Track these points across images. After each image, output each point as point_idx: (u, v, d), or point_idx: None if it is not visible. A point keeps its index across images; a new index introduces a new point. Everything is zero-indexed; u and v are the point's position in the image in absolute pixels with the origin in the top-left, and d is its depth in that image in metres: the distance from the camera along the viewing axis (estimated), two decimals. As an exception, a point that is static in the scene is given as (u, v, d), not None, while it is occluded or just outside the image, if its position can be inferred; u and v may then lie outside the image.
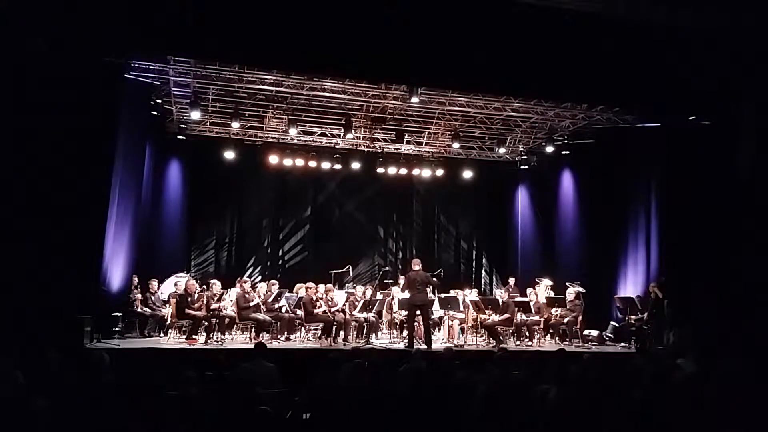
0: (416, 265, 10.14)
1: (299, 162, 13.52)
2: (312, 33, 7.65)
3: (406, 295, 10.38)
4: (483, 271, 15.88)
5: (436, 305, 11.21)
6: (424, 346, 9.51)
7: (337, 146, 13.99)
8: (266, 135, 13.59)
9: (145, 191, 11.44)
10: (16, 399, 4.21)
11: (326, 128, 13.43)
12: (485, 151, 14.67)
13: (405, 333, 10.14)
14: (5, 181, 7.75)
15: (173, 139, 12.97)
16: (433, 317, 11.11)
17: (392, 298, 11.12)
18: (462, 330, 10.93)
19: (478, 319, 10.76)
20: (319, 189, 14.90)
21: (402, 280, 11.11)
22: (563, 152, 13.41)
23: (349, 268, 12.87)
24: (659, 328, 10.68)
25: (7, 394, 4.26)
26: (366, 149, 14.10)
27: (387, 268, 14.15)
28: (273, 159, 13.49)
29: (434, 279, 10.41)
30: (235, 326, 10.26)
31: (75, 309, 8.15)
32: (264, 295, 10.50)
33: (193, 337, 9.47)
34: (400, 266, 14.91)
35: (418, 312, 9.91)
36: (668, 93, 8.90)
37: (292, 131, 12.73)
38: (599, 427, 4.38)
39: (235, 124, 12.24)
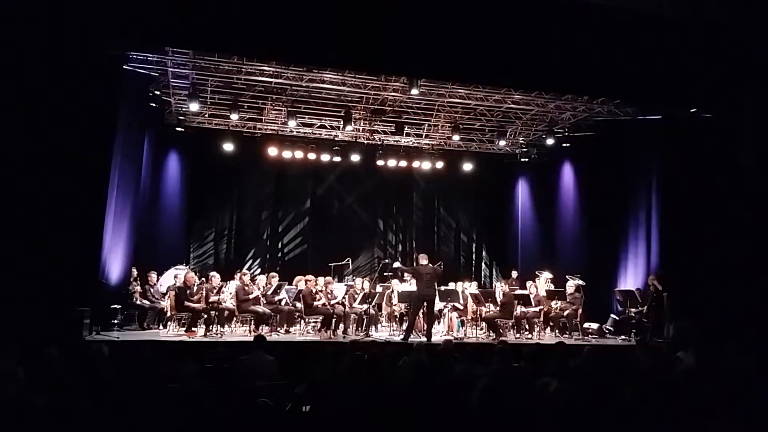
0: (423, 260, 10.10)
1: (298, 154, 13.48)
2: (311, 24, 7.59)
3: (407, 287, 10.38)
4: (483, 264, 15.87)
5: (436, 298, 11.21)
6: (423, 339, 9.51)
7: (336, 138, 13.94)
8: (265, 127, 13.55)
9: (144, 183, 11.41)
10: (16, 393, 4.19)
11: (325, 120, 13.38)
12: (485, 143, 14.62)
13: (405, 325, 10.10)
14: (3, 174, 7.71)
15: (172, 130, 12.94)
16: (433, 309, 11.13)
17: (392, 291, 11.12)
18: (462, 323, 10.93)
19: (478, 312, 10.76)
20: (318, 181, 14.87)
21: (406, 275, 11.10)
22: (564, 145, 13.39)
23: (348, 260, 12.88)
24: (659, 321, 10.69)
25: (8, 388, 4.25)
26: (365, 141, 14.05)
27: (387, 260, 14.13)
28: (272, 151, 13.45)
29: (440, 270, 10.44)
30: (235, 319, 10.24)
31: (74, 301, 8.13)
32: (263, 287, 10.49)
33: (193, 329, 9.46)
34: (399, 259, 14.88)
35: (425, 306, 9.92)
36: (669, 85, 8.86)
37: (291, 123, 12.68)
38: (600, 420, 4.37)
39: (234, 116, 12.18)
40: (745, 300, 8.76)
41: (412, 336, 9.92)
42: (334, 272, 12.08)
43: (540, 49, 8.25)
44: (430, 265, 10.04)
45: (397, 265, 11.27)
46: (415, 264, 10.69)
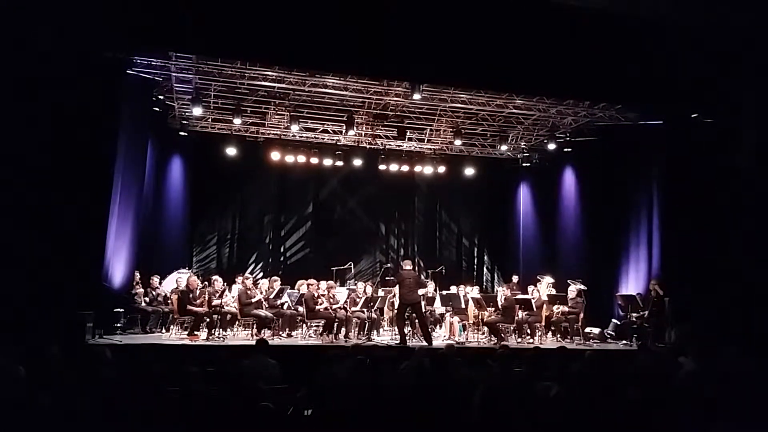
0: (407, 265, 10.27)
1: (301, 159, 13.52)
2: (314, 29, 7.63)
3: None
4: (484, 269, 15.88)
5: (437, 302, 11.24)
6: (424, 343, 9.53)
7: (338, 143, 13.97)
8: (268, 131, 13.60)
9: (147, 187, 11.45)
10: (18, 394, 4.22)
11: (328, 125, 13.42)
12: (487, 148, 14.65)
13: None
14: (7, 177, 7.74)
15: (175, 135, 12.97)
16: (434, 314, 11.15)
17: (394, 295, 11.12)
18: (463, 327, 10.94)
19: (480, 317, 10.77)
20: (320, 186, 14.91)
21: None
22: (565, 149, 13.39)
23: (350, 264, 12.88)
24: (660, 326, 10.68)
25: (10, 389, 4.27)
26: (368, 146, 14.09)
27: (388, 265, 14.15)
28: (275, 155, 13.50)
29: (423, 279, 10.53)
30: (237, 322, 10.27)
31: (77, 305, 8.16)
32: (266, 291, 10.51)
33: (195, 333, 9.48)
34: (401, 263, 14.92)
35: (412, 312, 10.01)
36: (668, 88, 8.88)
37: (294, 128, 12.72)
38: (600, 424, 4.38)
39: (237, 121, 12.22)
40: (746, 305, 8.75)
41: (413, 340, 9.93)
42: (336, 276, 12.10)
43: (542, 54, 8.28)
44: (412, 271, 10.18)
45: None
46: (399, 269, 10.76)
